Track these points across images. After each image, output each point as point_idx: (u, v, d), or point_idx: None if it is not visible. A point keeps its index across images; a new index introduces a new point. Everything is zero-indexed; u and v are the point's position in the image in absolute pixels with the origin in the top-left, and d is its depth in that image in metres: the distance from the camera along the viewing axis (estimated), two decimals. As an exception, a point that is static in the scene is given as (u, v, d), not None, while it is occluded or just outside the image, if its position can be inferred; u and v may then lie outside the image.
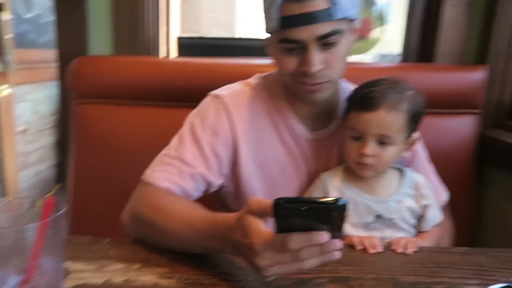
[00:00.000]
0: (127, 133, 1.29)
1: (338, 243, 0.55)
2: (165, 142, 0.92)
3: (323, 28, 0.76)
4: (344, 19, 0.78)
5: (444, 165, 1.08)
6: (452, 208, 1.02)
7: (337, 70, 0.82)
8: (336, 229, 0.55)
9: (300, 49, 0.79)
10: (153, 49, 1.47)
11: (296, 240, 0.54)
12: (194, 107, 0.95)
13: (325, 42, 0.78)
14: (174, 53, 1.62)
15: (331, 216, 0.53)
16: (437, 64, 1.40)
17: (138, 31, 1.40)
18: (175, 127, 0.94)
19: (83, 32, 1.39)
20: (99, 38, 1.40)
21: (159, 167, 0.86)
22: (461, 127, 1.30)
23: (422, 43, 1.50)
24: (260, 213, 0.59)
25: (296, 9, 0.75)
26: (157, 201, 0.81)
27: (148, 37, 1.43)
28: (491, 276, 0.71)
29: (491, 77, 1.31)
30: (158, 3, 1.46)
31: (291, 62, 0.81)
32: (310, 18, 0.75)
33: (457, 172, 1.27)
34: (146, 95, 1.30)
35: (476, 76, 1.29)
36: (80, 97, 1.29)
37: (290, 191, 0.93)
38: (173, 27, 1.58)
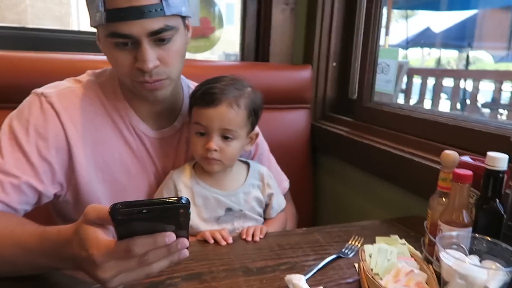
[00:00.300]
0: None
1: (185, 241, 0.54)
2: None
3: (155, 24, 0.73)
4: (176, 15, 0.77)
5: (284, 154, 1.19)
6: (293, 193, 1.12)
7: (174, 67, 0.80)
8: (181, 228, 0.53)
9: (132, 44, 0.75)
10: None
11: (140, 244, 0.50)
12: (13, 108, 0.81)
13: (159, 37, 0.75)
14: (-14, 45, 1.37)
15: (174, 215, 0.51)
16: (271, 64, 1.53)
17: None
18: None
19: None
20: None
21: None
22: (295, 120, 1.44)
23: (257, 44, 1.61)
24: (99, 222, 0.53)
25: (124, 2, 0.71)
26: None
27: None
28: (326, 250, 0.80)
29: (316, 75, 1.49)
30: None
31: (125, 59, 0.76)
32: (140, 12, 0.71)
33: (295, 160, 1.41)
34: None
35: (304, 74, 1.46)
36: None
37: (138, 192, 0.88)
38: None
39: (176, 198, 0.50)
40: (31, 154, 0.75)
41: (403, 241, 0.77)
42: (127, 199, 0.86)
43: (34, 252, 0.60)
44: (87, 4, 0.76)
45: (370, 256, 0.68)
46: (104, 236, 0.53)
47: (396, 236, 0.80)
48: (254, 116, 0.89)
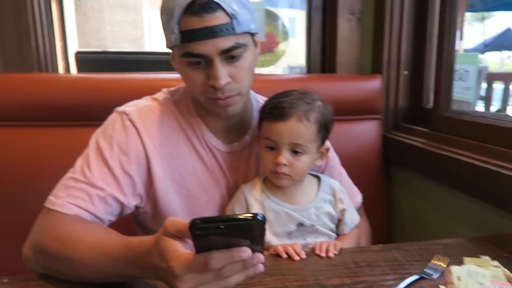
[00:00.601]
0: (24, 157, 1.16)
1: (260, 256, 0.55)
2: (68, 165, 0.83)
3: (226, 42, 0.76)
4: (245, 32, 0.79)
5: (354, 167, 1.15)
6: (365, 207, 1.08)
7: (244, 83, 0.82)
8: (256, 243, 0.54)
9: (205, 63, 0.78)
10: (49, 65, 1.35)
11: (217, 258, 0.52)
12: (98, 125, 0.88)
13: (229, 55, 0.77)
14: (74, 69, 1.50)
15: (251, 231, 0.52)
16: (339, 75, 1.50)
17: (28, 46, 1.26)
18: (79, 148, 0.85)
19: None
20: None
21: (64, 192, 0.77)
22: (366, 131, 1.40)
23: (323, 55, 1.60)
24: (178, 235, 0.55)
25: (196, 23, 0.74)
26: (63, 230, 0.72)
27: (41, 52, 1.30)
28: (406, 270, 0.75)
29: (386, 85, 1.43)
30: (50, 13, 1.34)
31: (198, 77, 0.79)
32: (212, 32, 0.74)
33: (367, 173, 1.36)
34: (43, 115, 1.18)
35: (373, 84, 1.41)
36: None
37: (211, 205, 0.90)
38: (70, 41, 1.47)
39: (252, 214, 0.51)
40: (115, 168, 0.80)
41: (496, 263, 0.70)
42: (200, 211, 0.90)
43: (119, 261, 0.63)
44: (163, 27, 0.80)
45: (458, 279, 0.63)
46: (183, 249, 0.55)
47: (487, 257, 0.73)
48: (324, 131, 0.88)
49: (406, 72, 1.42)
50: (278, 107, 0.84)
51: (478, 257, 0.74)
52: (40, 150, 1.17)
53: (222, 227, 0.50)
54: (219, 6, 0.74)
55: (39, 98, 1.17)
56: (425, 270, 0.74)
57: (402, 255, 0.81)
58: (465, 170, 1.04)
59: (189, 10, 0.73)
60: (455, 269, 0.65)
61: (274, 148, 0.85)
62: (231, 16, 0.75)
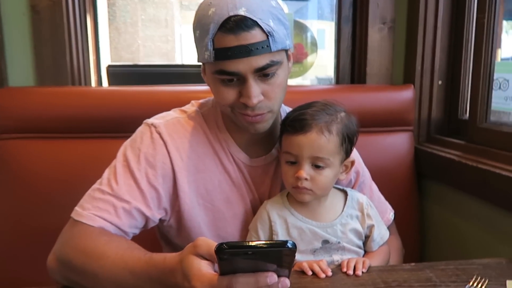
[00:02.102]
0: (56, 168, 1.20)
1: (286, 281, 0.53)
2: (98, 176, 0.84)
3: (261, 60, 0.74)
4: (281, 50, 0.77)
5: (385, 181, 1.10)
6: (396, 223, 1.03)
7: (277, 100, 0.80)
8: (284, 267, 0.53)
9: (237, 80, 0.76)
10: (82, 78, 1.39)
11: (242, 282, 0.50)
12: (127, 137, 0.88)
13: (264, 73, 0.76)
14: (106, 82, 1.54)
15: (279, 257, 0.51)
16: (369, 85, 1.46)
17: (63, 60, 1.31)
18: (109, 159, 0.86)
19: (0, 62, 1.28)
20: (19, 68, 1.30)
21: (90, 203, 0.78)
22: (397, 143, 1.35)
23: (352, 66, 1.57)
24: (208, 256, 0.55)
25: (232, 41, 0.72)
26: (87, 243, 0.72)
27: (75, 66, 1.34)
28: (440, 291, 0.71)
29: (419, 95, 1.38)
30: (86, 29, 1.39)
31: (230, 94, 0.78)
32: (247, 51, 0.72)
33: (398, 187, 1.31)
34: (75, 127, 1.22)
35: (405, 94, 1.36)
36: (0, 132, 1.19)
37: (235, 220, 0.89)
38: (102, 55, 1.51)
39: (282, 241, 0.49)
40: (141, 181, 0.80)
41: (541, 287, 0.65)
42: (225, 226, 0.88)
43: (140, 277, 0.63)
44: (196, 42, 0.79)
45: (499, 303, 0.58)
46: (207, 269, 0.54)
47: (531, 281, 0.68)
48: (348, 143, 0.84)
49: (440, 82, 1.37)
50: (298, 119, 0.81)
51: (522, 280, 0.68)
52: (72, 161, 1.20)
53: (249, 252, 0.49)
54: (255, 24, 0.72)
55: (71, 111, 1.21)
56: (461, 293, 0.69)
57: (437, 275, 0.76)
58: (505, 184, 0.98)
59: (224, 27, 0.71)
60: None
61: (295, 162, 0.83)
62: (267, 34, 0.73)
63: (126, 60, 1.70)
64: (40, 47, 1.30)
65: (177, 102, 0.98)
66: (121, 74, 1.54)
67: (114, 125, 1.22)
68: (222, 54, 0.73)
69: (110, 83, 1.53)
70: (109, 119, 1.22)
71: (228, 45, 0.72)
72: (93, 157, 1.20)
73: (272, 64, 0.75)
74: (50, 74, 1.31)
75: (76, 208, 0.79)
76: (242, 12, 0.71)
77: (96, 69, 1.49)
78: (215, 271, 0.55)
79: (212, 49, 0.73)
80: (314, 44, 1.98)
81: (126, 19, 1.66)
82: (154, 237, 0.97)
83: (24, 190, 1.18)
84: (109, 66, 1.54)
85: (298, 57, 1.86)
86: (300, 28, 1.99)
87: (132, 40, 1.70)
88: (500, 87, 1.19)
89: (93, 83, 1.48)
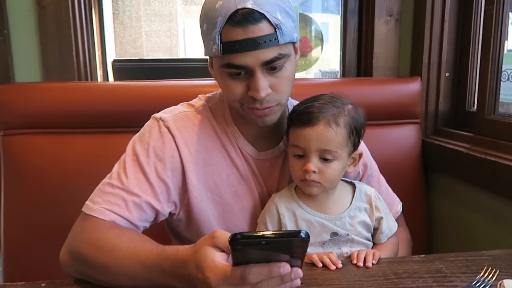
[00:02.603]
0: (64, 164, 1.20)
1: (299, 271, 0.54)
2: (106, 171, 0.84)
3: (269, 53, 0.73)
4: (288, 42, 0.77)
5: (392, 174, 1.10)
6: (404, 216, 1.03)
7: (284, 93, 0.80)
8: (296, 257, 0.53)
9: (245, 74, 0.76)
10: (88, 73, 1.39)
11: (255, 273, 0.51)
12: (135, 132, 0.89)
13: (271, 66, 0.75)
14: (111, 77, 1.55)
15: (292, 247, 0.51)
16: (375, 78, 1.46)
17: (69, 55, 1.31)
18: (116, 154, 0.86)
19: (6, 58, 1.28)
20: (25, 64, 1.30)
21: (101, 197, 0.79)
22: (404, 136, 1.34)
23: (358, 59, 1.56)
24: (225, 249, 0.55)
25: (239, 35, 0.72)
26: (99, 236, 0.73)
27: (81, 61, 1.34)
28: (451, 282, 0.71)
29: (426, 87, 1.38)
30: (92, 25, 1.39)
31: (238, 88, 0.77)
32: (255, 44, 0.71)
33: (405, 180, 1.31)
34: (82, 123, 1.22)
35: (412, 87, 1.36)
36: (7, 128, 1.19)
37: (244, 213, 0.89)
38: (108, 51, 1.51)
39: (295, 231, 0.50)
40: (150, 174, 0.80)
41: (553, 277, 0.65)
42: (234, 219, 0.89)
43: (153, 269, 0.63)
44: (203, 36, 0.79)
45: (511, 294, 0.58)
46: (221, 260, 0.54)
47: (543, 271, 0.67)
48: (355, 135, 0.83)
49: (447, 74, 1.36)
50: (305, 112, 0.81)
51: (532, 271, 0.68)
52: (79, 156, 1.20)
53: (263, 243, 0.49)
54: (263, 16, 0.71)
55: (77, 106, 1.21)
56: (472, 283, 0.69)
57: (447, 266, 0.77)
58: (514, 176, 0.98)
59: (231, 21, 0.71)
60: (507, 283, 0.60)
61: (302, 155, 0.83)
62: (275, 27, 0.72)
63: (131, 54, 1.70)
64: (46, 43, 1.30)
65: (183, 96, 0.98)
66: (127, 69, 1.54)
67: (120, 120, 1.22)
68: (230, 47, 0.72)
69: (115, 78, 1.53)
70: (115, 114, 1.22)
71: (236, 39, 0.72)
72: (99, 152, 1.20)
73: (280, 57, 0.75)
74: (56, 69, 1.31)
75: (87, 202, 0.79)
76: (249, 5, 0.71)
77: (101, 64, 1.49)
78: (228, 263, 0.55)
79: (219, 42, 0.73)
80: (319, 38, 1.97)
81: (131, 14, 1.65)
82: (164, 231, 0.97)
83: (31, 185, 1.18)
84: (115, 61, 1.54)
85: (303, 50, 1.85)
86: (305, 21, 1.98)
87: (137, 34, 1.70)
88: (508, 79, 1.18)
89: (99, 78, 1.48)
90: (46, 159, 1.19)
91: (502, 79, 1.17)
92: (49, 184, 1.18)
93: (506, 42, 1.17)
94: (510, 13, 1.17)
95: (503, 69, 1.17)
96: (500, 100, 1.19)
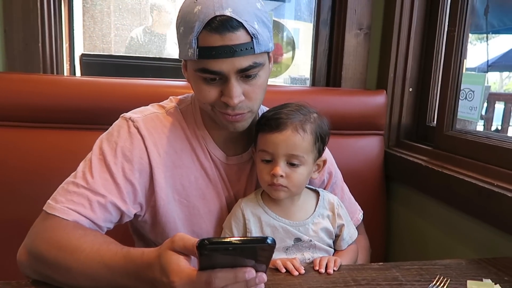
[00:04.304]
0: (25, 160, 1.16)
1: (264, 276, 0.55)
2: (69, 167, 0.82)
3: (244, 61, 0.74)
4: (264, 52, 0.78)
5: (355, 182, 1.14)
6: (364, 223, 1.07)
7: (257, 101, 0.82)
8: (261, 262, 0.54)
9: (219, 80, 0.77)
10: (54, 66, 1.35)
11: (221, 278, 0.51)
12: (103, 130, 0.87)
13: (246, 74, 0.77)
14: (78, 72, 1.50)
15: (258, 253, 0.52)
16: (343, 89, 1.50)
17: (35, 46, 1.26)
18: (81, 151, 0.85)
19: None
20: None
21: (64, 196, 0.76)
22: (368, 146, 1.39)
23: (328, 68, 1.60)
24: (184, 251, 0.55)
25: (216, 41, 0.72)
26: (60, 236, 0.71)
27: (47, 53, 1.30)
28: (406, 289, 0.74)
29: (391, 101, 1.43)
30: (60, 16, 1.34)
31: (211, 92, 0.78)
32: (232, 51, 0.72)
33: (367, 189, 1.35)
34: (47, 117, 1.18)
35: (378, 99, 1.41)
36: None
37: (210, 216, 0.89)
38: (76, 44, 1.47)
39: (262, 237, 0.51)
40: (117, 175, 0.79)
41: (498, 287, 0.69)
42: (200, 222, 0.89)
43: (117, 271, 0.62)
44: (179, 39, 0.79)
45: (460, 302, 0.62)
46: (186, 264, 0.54)
47: (489, 281, 0.72)
48: (320, 142, 0.87)
49: (411, 89, 1.43)
50: (274, 118, 0.84)
51: (481, 280, 0.73)
52: (42, 151, 1.16)
53: (230, 248, 0.50)
54: (240, 25, 0.72)
55: (42, 100, 1.17)
56: (425, 291, 0.73)
57: (402, 274, 0.80)
58: (467, 190, 1.04)
59: (209, 26, 0.71)
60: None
61: (270, 160, 0.85)
62: (252, 36, 0.73)
63: (100, 49, 1.66)
64: (11, 32, 1.24)
65: (153, 96, 0.97)
66: (95, 64, 1.50)
67: (87, 116, 1.19)
68: (206, 53, 0.73)
69: (83, 73, 1.49)
70: (81, 110, 1.19)
71: (213, 44, 0.72)
72: (64, 148, 1.17)
73: (254, 66, 0.76)
74: (21, 60, 1.26)
75: (49, 201, 0.77)
76: (228, 12, 0.72)
77: (69, 57, 1.44)
78: (193, 267, 0.56)
79: (196, 47, 0.73)
80: (291, 45, 2.00)
81: (102, 7, 1.61)
82: (126, 231, 0.96)
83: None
84: (83, 55, 1.50)
85: (275, 57, 1.87)
86: (277, 28, 2.00)
87: (108, 29, 1.66)
88: (466, 98, 1.25)
89: (66, 71, 1.44)
90: (7, 153, 1.15)
91: (460, 97, 1.24)
92: (10, 179, 1.14)
93: (465, 60, 1.24)
94: (470, 34, 1.24)
95: (461, 88, 1.23)
96: (458, 117, 1.25)
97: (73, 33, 1.45)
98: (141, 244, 0.94)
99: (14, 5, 1.24)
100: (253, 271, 0.53)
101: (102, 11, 1.59)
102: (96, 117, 1.16)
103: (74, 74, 1.49)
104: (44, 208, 0.76)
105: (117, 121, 0.86)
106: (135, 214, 0.84)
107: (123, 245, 0.68)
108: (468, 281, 0.72)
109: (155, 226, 0.87)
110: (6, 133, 1.16)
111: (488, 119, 3.68)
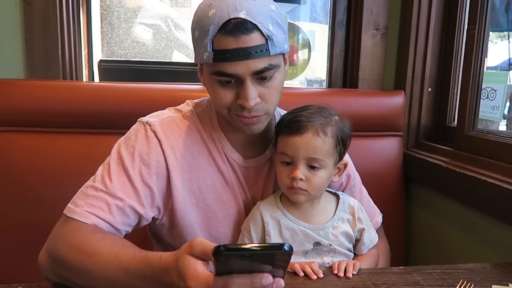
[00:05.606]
0: (45, 164, 1.18)
1: (281, 282, 0.54)
2: (89, 172, 0.83)
3: (260, 63, 0.74)
4: (279, 54, 0.78)
5: (374, 185, 1.12)
6: (384, 227, 1.05)
7: (273, 103, 0.81)
8: (279, 268, 0.53)
9: (235, 82, 0.77)
10: (74, 73, 1.37)
11: (237, 283, 0.51)
12: (121, 134, 0.88)
13: (261, 76, 0.76)
14: (97, 78, 1.53)
15: (275, 259, 0.52)
16: (360, 90, 1.48)
17: (55, 53, 1.29)
18: (100, 155, 0.86)
19: (-12, 54, 1.25)
20: (9, 61, 1.28)
21: (83, 200, 0.77)
22: (386, 148, 1.37)
23: (345, 70, 1.58)
24: (202, 256, 0.55)
25: (231, 44, 0.72)
26: (80, 240, 0.72)
27: (66, 60, 1.32)
28: (428, 294, 0.72)
29: (409, 101, 1.41)
30: (78, 22, 1.37)
31: (227, 96, 0.78)
32: (246, 54, 0.72)
33: (387, 192, 1.33)
34: (66, 122, 1.20)
35: (396, 100, 1.39)
36: (-14, 125, 1.17)
37: (228, 219, 0.89)
38: (95, 50, 1.50)
39: (279, 244, 0.50)
40: (135, 179, 0.80)
41: (525, 292, 0.67)
42: (217, 226, 0.89)
43: (134, 275, 0.63)
44: (194, 42, 0.79)
45: (486, 307, 0.60)
46: (203, 269, 0.54)
47: (516, 286, 0.70)
48: (341, 145, 0.86)
49: (430, 89, 1.40)
50: (294, 120, 0.83)
51: (507, 285, 0.70)
52: (62, 156, 1.18)
53: (246, 255, 0.50)
54: (255, 27, 0.72)
55: (62, 106, 1.19)
56: (449, 296, 0.71)
57: (424, 278, 0.78)
58: (490, 191, 1.01)
59: (224, 29, 0.72)
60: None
61: (290, 163, 0.84)
62: (266, 38, 0.73)
63: (118, 56, 1.68)
64: (32, 40, 1.27)
65: (171, 100, 0.98)
66: (113, 70, 1.53)
67: (105, 121, 1.21)
68: (221, 55, 0.73)
69: (101, 79, 1.52)
70: (100, 115, 1.21)
71: (228, 47, 0.72)
72: (83, 153, 1.19)
73: (270, 68, 0.76)
74: (41, 67, 1.29)
75: (69, 205, 0.78)
76: (242, 15, 0.72)
77: (88, 63, 1.47)
78: (210, 271, 0.56)
79: (211, 50, 0.74)
80: (307, 47, 1.99)
81: (120, 14, 1.64)
82: (145, 235, 0.97)
83: (12, 185, 1.16)
84: (101, 61, 1.52)
85: (291, 59, 1.87)
86: (293, 30, 2.00)
87: (126, 35, 1.68)
88: (487, 97, 1.22)
89: (85, 77, 1.46)
90: (28, 158, 1.17)
91: (481, 96, 1.21)
92: (31, 184, 1.16)
93: (486, 59, 1.21)
94: (490, 32, 1.21)
95: (482, 87, 1.20)
96: (480, 116, 1.22)
97: (91, 39, 1.47)
98: (159, 248, 0.95)
99: (34, 13, 1.27)
100: (270, 276, 0.52)
101: (119, 17, 1.62)
102: (114, 121, 1.18)
103: (93, 79, 1.51)
104: (64, 211, 0.78)
105: (134, 125, 0.87)
106: (153, 218, 0.85)
107: (141, 248, 0.69)
108: (493, 286, 0.70)
109: (172, 230, 0.87)
110: (28, 139, 1.19)
111: (510, 119, 3.58)
